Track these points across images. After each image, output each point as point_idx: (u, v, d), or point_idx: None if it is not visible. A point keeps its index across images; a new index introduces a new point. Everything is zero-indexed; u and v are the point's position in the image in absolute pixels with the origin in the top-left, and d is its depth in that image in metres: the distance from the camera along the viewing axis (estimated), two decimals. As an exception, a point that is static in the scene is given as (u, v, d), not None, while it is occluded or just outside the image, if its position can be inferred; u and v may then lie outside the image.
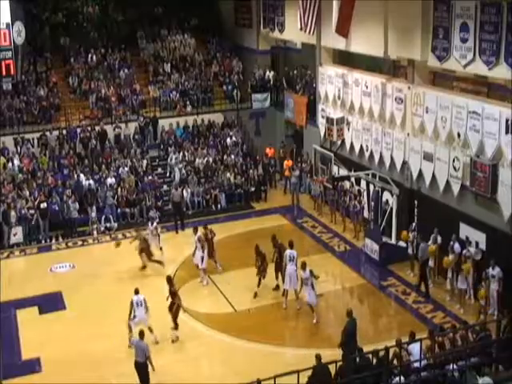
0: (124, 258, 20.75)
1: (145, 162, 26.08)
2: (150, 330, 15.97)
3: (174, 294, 16.64)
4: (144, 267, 20.30)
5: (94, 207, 23.57)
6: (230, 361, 15.68)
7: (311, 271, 16.97)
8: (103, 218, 23.53)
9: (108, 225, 23.50)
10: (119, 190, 24.51)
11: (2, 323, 17.71)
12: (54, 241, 22.96)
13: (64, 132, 26.47)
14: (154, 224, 21.30)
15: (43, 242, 22.88)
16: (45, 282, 20.07)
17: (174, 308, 16.55)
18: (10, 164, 24.72)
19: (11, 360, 16.10)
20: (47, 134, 26.25)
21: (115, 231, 23.34)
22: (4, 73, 27.95)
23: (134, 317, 16.13)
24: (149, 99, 28.77)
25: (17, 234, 22.62)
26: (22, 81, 28.03)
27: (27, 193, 23.49)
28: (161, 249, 21.27)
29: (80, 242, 22.89)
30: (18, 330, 17.49)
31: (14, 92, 27.62)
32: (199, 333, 17.03)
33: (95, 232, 23.25)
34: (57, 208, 23.27)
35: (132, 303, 16.13)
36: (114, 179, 24.75)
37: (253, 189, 26.14)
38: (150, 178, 25.27)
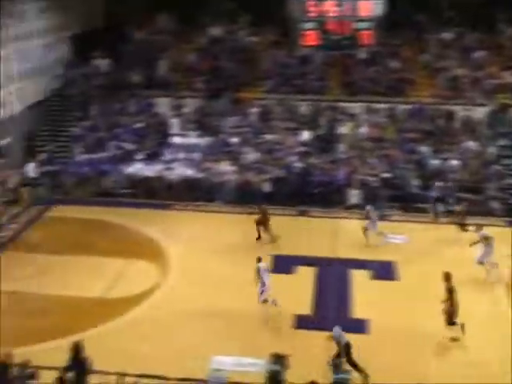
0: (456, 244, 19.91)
1: (493, 149, 24.64)
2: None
3: (450, 290, 15.36)
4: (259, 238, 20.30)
5: (436, 186, 22.91)
6: None
7: None
8: (443, 199, 22.74)
9: (448, 207, 22.66)
10: (462, 173, 23.52)
11: (337, 279, 18.33)
12: (391, 211, 22.88)
13: (412, 106, 26.22)
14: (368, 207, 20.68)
15: (381, 210, 22.90)
16: (379, 249, 20.10)
17: (448, 305, 15.33)
18: (357, 130, 25.32)
19: (340, 315, 16.44)
20: (396, 106, 26.25)
21: (453, 215, 22.46)
22: (362, 42, 28.82)
23: (264, 284, 16.23)
24: (503, 84, 27.07)
25: (356, 197, 23.04)
26: (376, 52, 28.48)
27: (371, 160, 23.82)
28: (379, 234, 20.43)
29: (417, 218, 22.46)
30: (350, 289, 17.81)
31: (368, 62, 28.18)
32: None
33: (434, 211, 22.60)
34: (398, 180, 23.15)
35: (259, 270, 16.32)
36: (457, 161, 23.84)
37: None
38: (495, 167, 23.82)
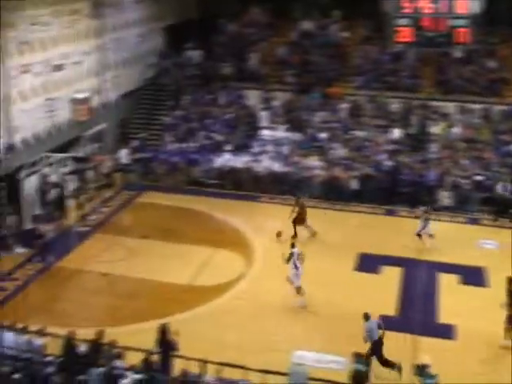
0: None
1: None
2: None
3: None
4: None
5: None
6: None
7: None
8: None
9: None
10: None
11: (424, 281, 17.95)
12: (483, 215, 22.25)
13: (508, 107, 25.33)
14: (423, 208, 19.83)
15: (472, 213, 22.35)
16: (470, 253, 19.53)
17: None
18: (450, 130, 24.69)
19: (427, 319, 16.14)
20: (491, 106, 25.44)
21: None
22: (458, 40, 28.03)
23: (297, 268, 16.38)
24: None
25: (447, 199, 22.51)
26: (472, 50, 27.66)
27: (464, 161, 23.18)
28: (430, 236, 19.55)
29: (509, 224, 21.69)
30: (438, 293, 17.40)
31: (463, 60, 27.41)
32: None
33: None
34: (491, 183, 22.43)
35: (293, 255, 16.57)
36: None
37: None
38: None
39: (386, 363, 13.78)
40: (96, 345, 12.54)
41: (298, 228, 20.28)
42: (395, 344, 14.60)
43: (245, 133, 26.53)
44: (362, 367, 12.08)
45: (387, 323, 15.64)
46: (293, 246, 17.23)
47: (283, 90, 27.90)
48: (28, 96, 21.19)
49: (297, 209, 20.39)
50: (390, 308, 16.52)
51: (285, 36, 30.35)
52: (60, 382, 11.86)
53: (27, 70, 21.00)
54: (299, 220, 20.33)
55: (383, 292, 17.22)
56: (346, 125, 25.86)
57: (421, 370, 12.69)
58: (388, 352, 14.17)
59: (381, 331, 13.91)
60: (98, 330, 12.98)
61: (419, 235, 19.80)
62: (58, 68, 22.68)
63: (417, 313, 16.40)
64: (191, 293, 17.27)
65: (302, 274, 16.70)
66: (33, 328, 13.19)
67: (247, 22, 31.21)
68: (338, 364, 14.15)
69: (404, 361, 13.71)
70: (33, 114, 21.37)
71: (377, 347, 13.77)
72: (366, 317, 14.00)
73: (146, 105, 28.60)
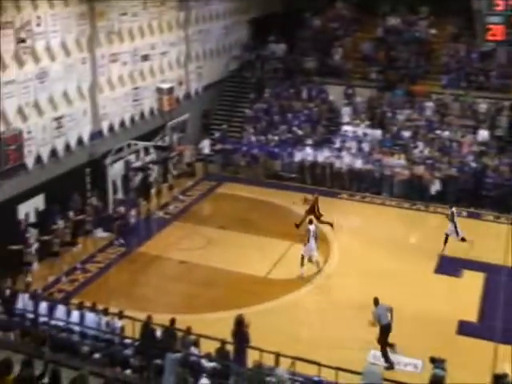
0: None
1: None
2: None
3: None
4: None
5: None
6: None
7: None
8: None
9: None
10: None
11: (509, 288, 17.32)
12: None
13: None
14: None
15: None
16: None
17: None
18: None
19: (509, 326, 15.45)
20: None
21: None
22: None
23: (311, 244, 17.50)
24: None
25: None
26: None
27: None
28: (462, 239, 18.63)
29: None
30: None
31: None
32: None
33: None
34: None
35: (309, 231, 17.60)
36: None
37: None
38: None
39: (385, 353, 13.98)
40: (170, 331, 12.71)
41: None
42: (475, 351, 14.22)
43: (326, 128, 26.35)
44: (441, 372, 11.75)
45: (468, 329, 15.33)
46: (310, 222, 18.31)
47: (366, 87, 27.49)
48: (115, 84, 21.71)
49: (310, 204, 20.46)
50: (471, 313, 16.03)
51: (370, 32, 29.89)
52: (137, 364, 12.09)
53: (115, 59, 21.50)
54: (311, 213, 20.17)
55: (464, 296, 16.75)
56: (431, 124, 25.23)
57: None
58: (467, 359, 13.81)
59: (389, 317, 14.00)
60: (171, 317, 13.15)
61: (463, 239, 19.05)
62: (145, 58, 23.12)
63: (498, 320, 15.82)
64: (266, 285, 17.30)
65: (313, 248, 17.84)
66: (112, 310, 13.51)
67: (332, 16, 30.91)
68: (415, 367, 13.88)
69: (483, 369, 13.26)
70: (119, 102, 21.87)
71: (385, 332, 13.93)
72: (376, 302, 14.19)
73: (229, 96, 28.80)
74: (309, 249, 17.81)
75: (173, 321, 13.05)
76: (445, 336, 15.11)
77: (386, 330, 13.97)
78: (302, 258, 17.78)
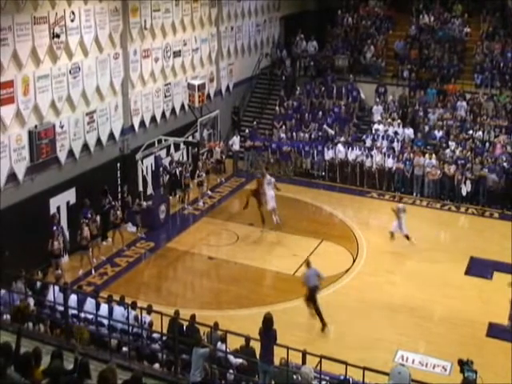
0: None
1: None
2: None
3: None
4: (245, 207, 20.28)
5: None
6: None
7: None
8: None
9: None
10: None
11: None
12: None
13: None
14: None
15: None
16: None
17: None
18: None
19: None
20: None
21: None
22: None
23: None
24: None
25: None
26: None
27: None
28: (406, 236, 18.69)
29: None
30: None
31: None
32: None
33: None
34: None
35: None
36: None
37: None
38: None
39: (319, 313, 15.01)
40: (193, 327, 12.72)
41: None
42: (505, 354, 13.99)
43: (357, 126, 26.18)
44: (472, 375, 11.59)
45: (497, 332, 15.09)
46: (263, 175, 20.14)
47: (398, 85, 27.23)
48: (147, 80, 21.83)
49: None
50: (502, 316, 15.74)
51: (403, 30, 29.57)
52: (165, 359, 12.13)
53: (147, 55, 21.61)
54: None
55: (495, 299, 16.46)
56: (464, 123, 24.90)
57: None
58: (493, 361, 13.57)
59: (317, 281, 15.02)
60: (192, 313, 13.16)
61: None
62: (177, 54, 23.20)
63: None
64: (293, 283, 17.15)
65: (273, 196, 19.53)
66: (141, 304, 13.59)
67: (365, 14, 30.70)
68: (443, 369, 13.72)
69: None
70: (150, 98, 21.99)
71: (311, 293, 15.03)
72: (308, 264, 15.36)
73: (259, 93, 28.76)
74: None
75: (193, 317, 13.09)
76: (475, 338, 14.93)
77: (312, 291, 15.05)
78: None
